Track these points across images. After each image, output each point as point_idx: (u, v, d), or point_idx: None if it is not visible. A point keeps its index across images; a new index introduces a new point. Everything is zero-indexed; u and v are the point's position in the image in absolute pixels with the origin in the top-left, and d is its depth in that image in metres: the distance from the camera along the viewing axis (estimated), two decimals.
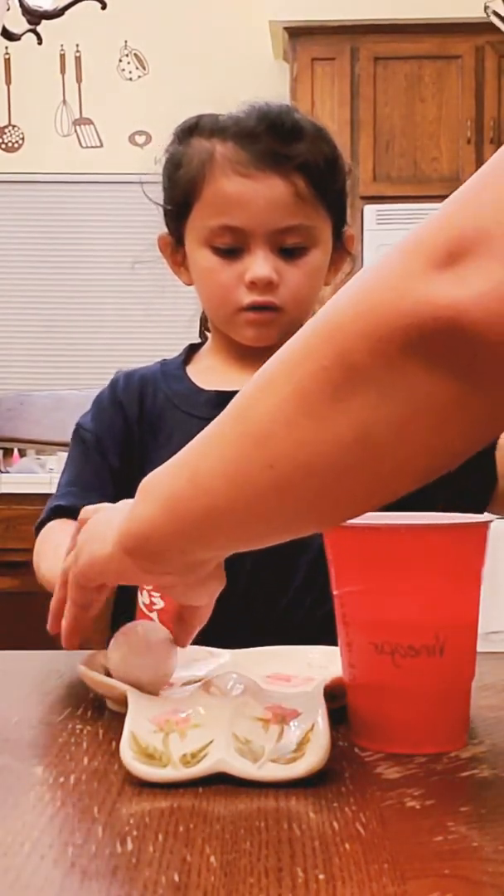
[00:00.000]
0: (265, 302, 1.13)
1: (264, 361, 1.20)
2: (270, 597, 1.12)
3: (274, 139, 1.12)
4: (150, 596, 1.14)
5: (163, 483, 0.68)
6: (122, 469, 1.18)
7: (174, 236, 1.20)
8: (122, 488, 1.16)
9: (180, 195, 1.16)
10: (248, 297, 1.13)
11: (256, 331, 1.15)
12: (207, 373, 1.22)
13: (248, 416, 0.62)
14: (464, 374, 0.54)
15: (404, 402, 0.55)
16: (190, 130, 1.18)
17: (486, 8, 0.65)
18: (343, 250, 1.22)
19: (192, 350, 1.27)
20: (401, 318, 0.54)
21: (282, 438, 0.59)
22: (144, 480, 0.70)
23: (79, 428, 1.24)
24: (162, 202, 1.21)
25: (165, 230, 1.22)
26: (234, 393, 1.21)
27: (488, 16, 0.67)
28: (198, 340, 1.29)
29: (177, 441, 1.16)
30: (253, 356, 1.19)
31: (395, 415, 0.56)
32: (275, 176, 1.11)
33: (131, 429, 1.20)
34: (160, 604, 1.13)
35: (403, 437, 0.56)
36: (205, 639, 0.96)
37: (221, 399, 1.18)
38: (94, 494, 1.11)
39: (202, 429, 1.16)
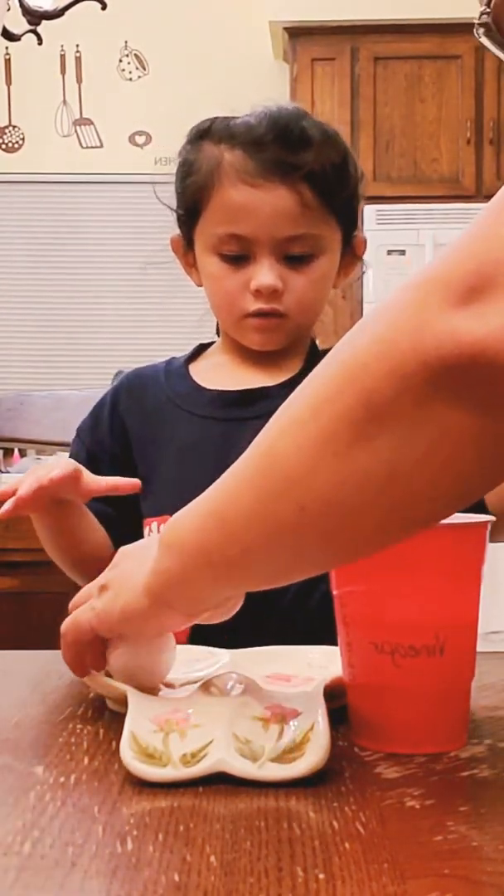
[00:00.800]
0: (270, 309, 1.14)
1: (270, 363, 1.20)
2: (273, 600, 1.12)
3: (281, 148, 1.12)
4: None
5: (191, 534, 0.69)
6: (119, 475, 1.19)
7: (185, 239, 1.21)
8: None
9: (190, 201, 1.17)
10: (254, 305, 1.14)
11: (262, 336, 1.17)
12: (212, 371, 1.22)
13: (275, 459, 0.63)
14: (487, 407, 0.55)
15: (429, 437, 0.56)
16: (202, 134, 1.18)
17: (476, 29, 0.65)
18: (353, 255, 1.22)
19: (201, 349, 1.27)
20: (423, 354, 0.55)
21: (311, 480, 0.60)
22: (167, 532, 0.71)
23: (77, 434, 1.26)
24: (175, 204, 1.22)
25: (176, 231, 1.23)
26: (235, 392, 1.22)
27: (478, 37, 0.66)
28: (207, 340, 1.29)
29: (178, 439, 1.18)
30: (259, 358, 1.19)
31: (420, 449, 0.57)
32: (281, 186, 1.12)
33: (128, 436, 1.21)
34: None
35: (430, 469, 0.58)
36: (205, 639, 0.96)
37: (223, 398, 1.19)
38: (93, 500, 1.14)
39: (203, 427, 1.16)
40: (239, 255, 1.14)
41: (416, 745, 0.72)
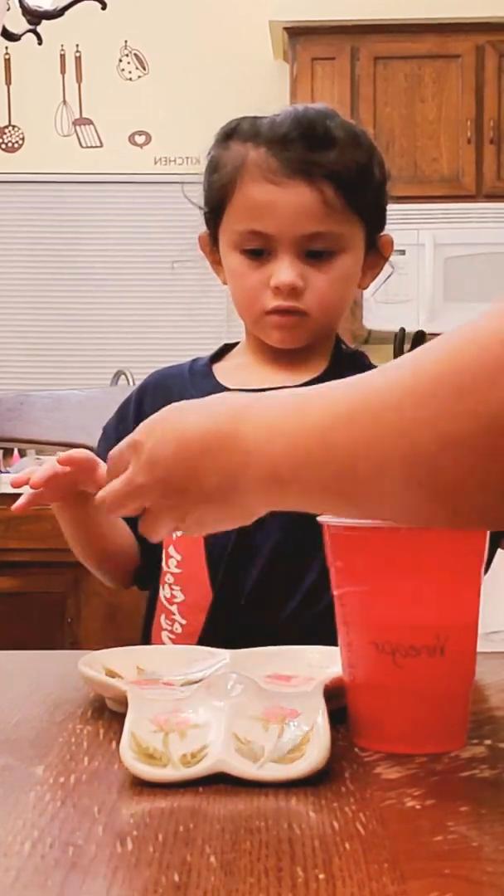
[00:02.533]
0: (289, 307, 1.14)
1: (293, 363, 1.21)
2: (276, 603, 1.12)
3: (304, 147, 1.13)
4: (171, 589, 1.15)
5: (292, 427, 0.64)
6: None
7: (212, 237, 1.22)
8: None
9: (215, 198, 1.18)
10: (273, 302, 1.14)
11: (282, 334, 1.17)
12: (236, 371, 1.22)
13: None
14: None
15: None
16: (230, 134, 1.19)
17: None
18: (378, 255, 1.22)
19: (226, 349, 1.27)
20: None
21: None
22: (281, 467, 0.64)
23: (103, 432, 1.27)
24: (197, 203, 1.23)
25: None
26: (258, 391, 1.22)
27: None
28: (232, 341, 1.30)
29: None
30: (282, 356, 1.19)
31: None
32: (303, 184, 1.12)
33: None
34: (180, 597, 1.14)
35: None
36: (207, 640, 0.96)
37: None
38: None
39: None
40: (260, 252, 1.14)
41: (416, 745, 0.72)
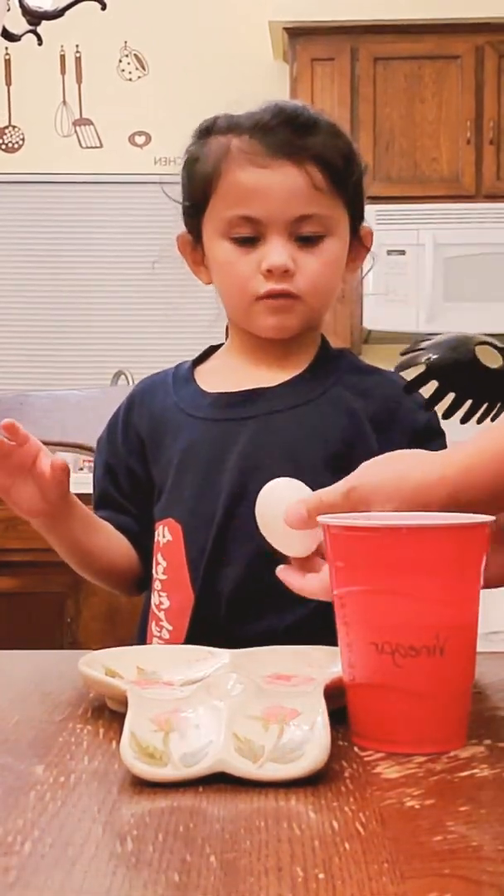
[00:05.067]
0: (282, 290, 1.13)
1: (278, 360, 1.21)
2: (257, 605, 1.12)
3: (289, 131, 1.12)
4: (159, 595, 1.15)
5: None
6: (135, 485, 1.22)
7: (192, 233, 1.20)
8: (141, 492, 1.21)
9: (198, 190, 1.17)
10: (265, 286, 1.13)
11: (275, 318, 1.15)
12: (216, 373, 1.22)
13: None
14: None
15: None
16: (208, 129, 1.18)
17: None
18: (360, 246, 1.22)
19: (210, 350, 1.27)
20: None
21: None
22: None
23: (97, 446, 1.28)
24: (180, 201, 1.21)
25: (181, 230, 1.22)
26: (234, 393, 1.22)
27: None
28: (217, 342, 1.29)
29: (180, 443, 1.18)
30: (268, 352, 1.19)
31: None
32: (290, 165, 1.12)
33: (143, 445, 1.22)
34: (167, 603, 1.14)
35: None
36: (207, 640, 0.96)
37: (222, 400, 1.19)
38: (116, 512, 1.21)
39: (202, 430, 1.17)
40: (250, 238, 1.13)
41: (416, 745, 0.72)
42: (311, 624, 0.98)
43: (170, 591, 1.14)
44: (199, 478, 1.15)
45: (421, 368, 1.07)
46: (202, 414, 1.18)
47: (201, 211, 1.17)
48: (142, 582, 1.21)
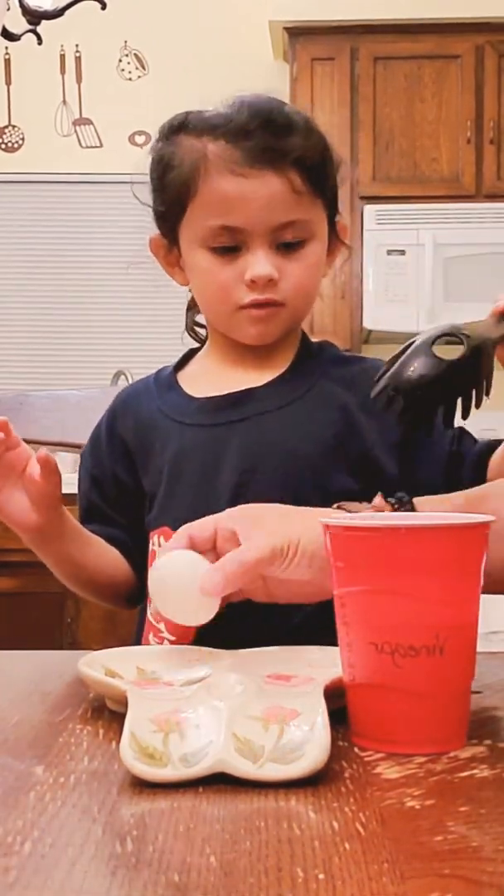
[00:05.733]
0: (266, 300, 1.12)
1: (260, 360, 1.20)
2: (278, 606, 1.12)
3: (267, 135, 1.10)
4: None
5: None
6: (123, 494, 1.22)
7: (167, 238, 1.18)
8: (130, 500, 1.20)
9: (173, 196, 1.14)
10: (249, 296, 1.12)
11: (258, 327, 1.14)
12: (199, 377, 1.21)
13: None
14: None
15: None
16: (177, 128, 1.15)
17: None
18: (338, 241, 1.21)
19: (190, 354, 1.26)
20: None
21: None
22: None
23: (81, 459, 1.27)
24: (151, 202, 1.18)
25: (157, 232, 1.20)
26: (221, 397, 1.21)
27: None
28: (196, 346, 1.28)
29: (170, 450, 1.17)
30: (248, 356, 1.18)
31: None
32: (270, 173, 1.09)
33: (130, 454, 1.22)
34: None
35: None
36: (207, 640, 0.96)
37: (210, 404, 1.18)
38: (104, 524, 1.20)
39: (192, 436, 1.16)
40: (231, 247, 1.12)
41: (416, 745, 0.72)
42: (311, 624, 0.98)
43: None
44: (194, 484, 1.14)
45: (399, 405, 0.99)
46: (190, 420, 1.17)
47: (177, 217, 1.15)
48: (135, 594, 1.20)
